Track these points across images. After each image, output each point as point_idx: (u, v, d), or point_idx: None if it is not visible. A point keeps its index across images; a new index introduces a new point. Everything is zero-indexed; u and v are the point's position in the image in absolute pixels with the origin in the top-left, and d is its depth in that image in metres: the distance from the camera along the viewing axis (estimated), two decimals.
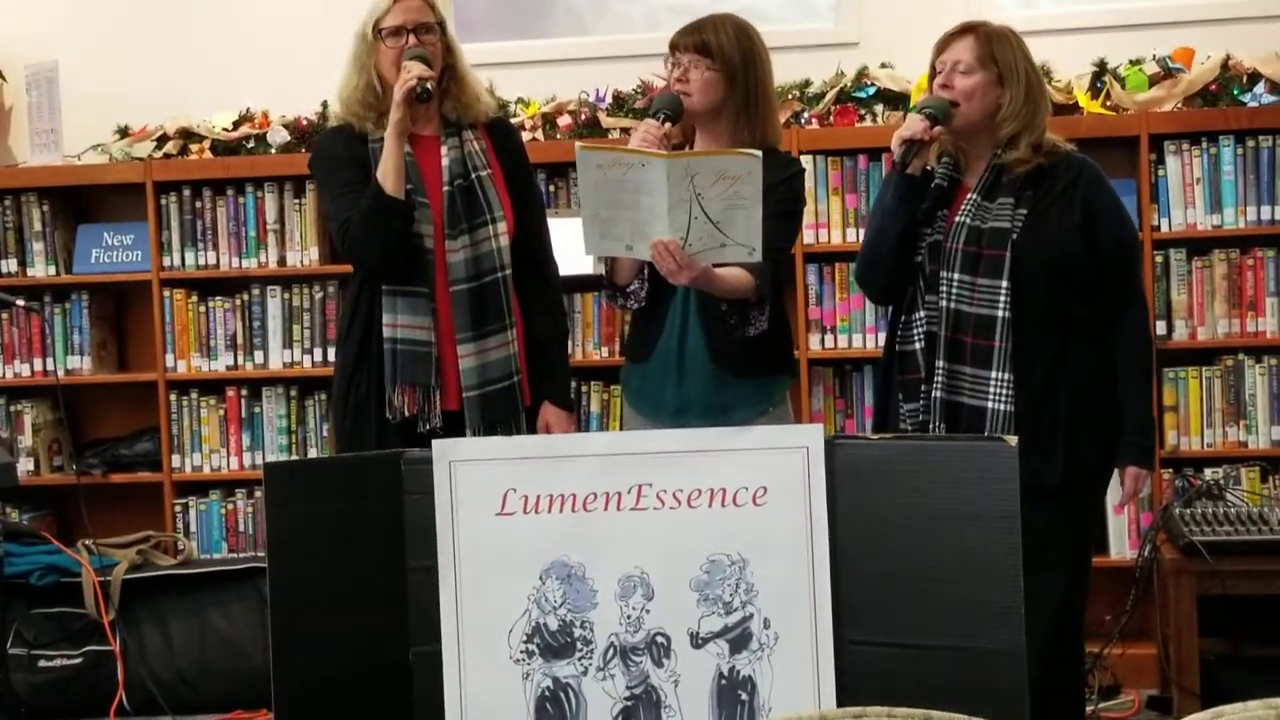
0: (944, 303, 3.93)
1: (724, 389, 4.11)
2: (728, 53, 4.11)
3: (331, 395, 4.43)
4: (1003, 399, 3.87)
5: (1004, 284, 3.87)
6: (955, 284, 3.92)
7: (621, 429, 4.52)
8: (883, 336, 5.46)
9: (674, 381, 4.13)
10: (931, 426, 3.92)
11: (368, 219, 4.07)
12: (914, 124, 3.91)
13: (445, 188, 4.18)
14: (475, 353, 4.15)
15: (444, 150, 4.22)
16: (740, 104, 4.14)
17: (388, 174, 4.06)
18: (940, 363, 3.93)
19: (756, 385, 4.18)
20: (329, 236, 5.92)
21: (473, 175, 4.21)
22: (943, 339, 3.92)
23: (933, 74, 4.05)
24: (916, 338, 3.99)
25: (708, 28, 4.14)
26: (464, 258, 4.16)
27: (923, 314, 3.97)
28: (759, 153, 3.69)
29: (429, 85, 4.04)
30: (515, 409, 4.23)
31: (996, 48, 3.98)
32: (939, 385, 3.92)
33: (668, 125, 4.03)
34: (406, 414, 4.14)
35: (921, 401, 3.96)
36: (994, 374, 3.88)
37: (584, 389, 5.74)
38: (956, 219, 3.96)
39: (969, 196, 3.98)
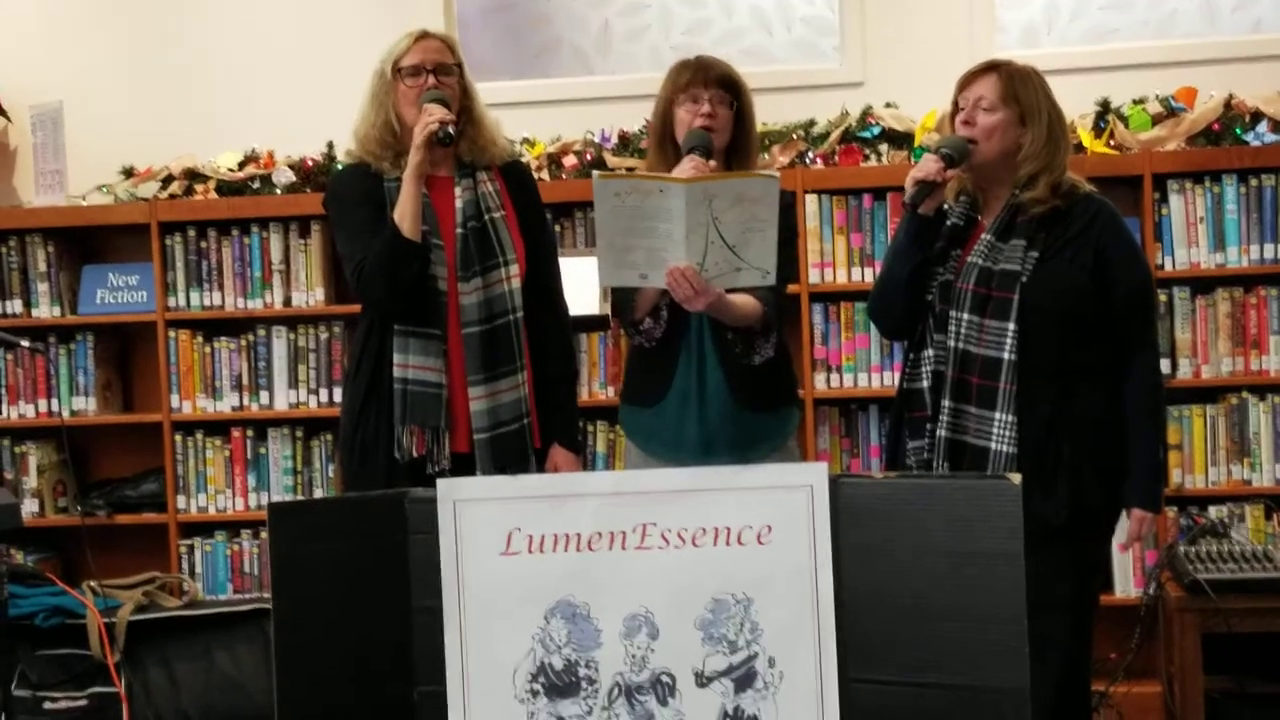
0: (952, 342, 3.95)
1: (745, 423, 4.14)
2: (746, 88, 4.22)
3: (339, 434, 4.42)
4: (1006, 440, 3.88)
5: (1011, 326, 3.89)
6: (964, 324, 3.94)
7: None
8: (889, 376, 5.54)
9: (695, 419, 4.14)
10: (936, 465, 3.93)
11: (384, 260, 4.07)
12: (928, 165, 3.92)
13: (458, 229, 4.18)
14: (486, 395, 4.15)
15: (458, 192, 4.23)
16: (741, 139, 4.22)
17: (405, 216, 4.07)
18: (946, 402, 3.94)
19: (774, 417, 4.23)
20: (335, 276, 5.96)
21: (486, 217, 4.21)
22: (949, 378, 3.94)
23: (954, 110, 4.07)
24: (924, 376, 4.00)
25: (723, 62, 4.24)
26: (476, 300, 4.16)
27: (931, 353, 3.99)
28: (777, 174, 3.74)
29: (450, 129, 4.06)
30: (525, 451, 4.22)
31: (1019, 86, 3.99)
32: (944, 424, 3.94)
33: (712, 163, 4.08)
34: (415, 454, 4.14)
35: (926, 439, 3.97)
36: (998, 415, 3.89)
37: (590, 429, 5.75)
38: (969, 259, 3.98)
39: (984, 236, 3.99)
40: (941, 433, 3.94)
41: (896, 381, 4.26)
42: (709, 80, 4.18)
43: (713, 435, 4.12)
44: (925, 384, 3.99)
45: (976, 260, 3.96)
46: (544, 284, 4.33)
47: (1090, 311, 3.95)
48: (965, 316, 3.94)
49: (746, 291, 3.99)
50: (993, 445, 3.90)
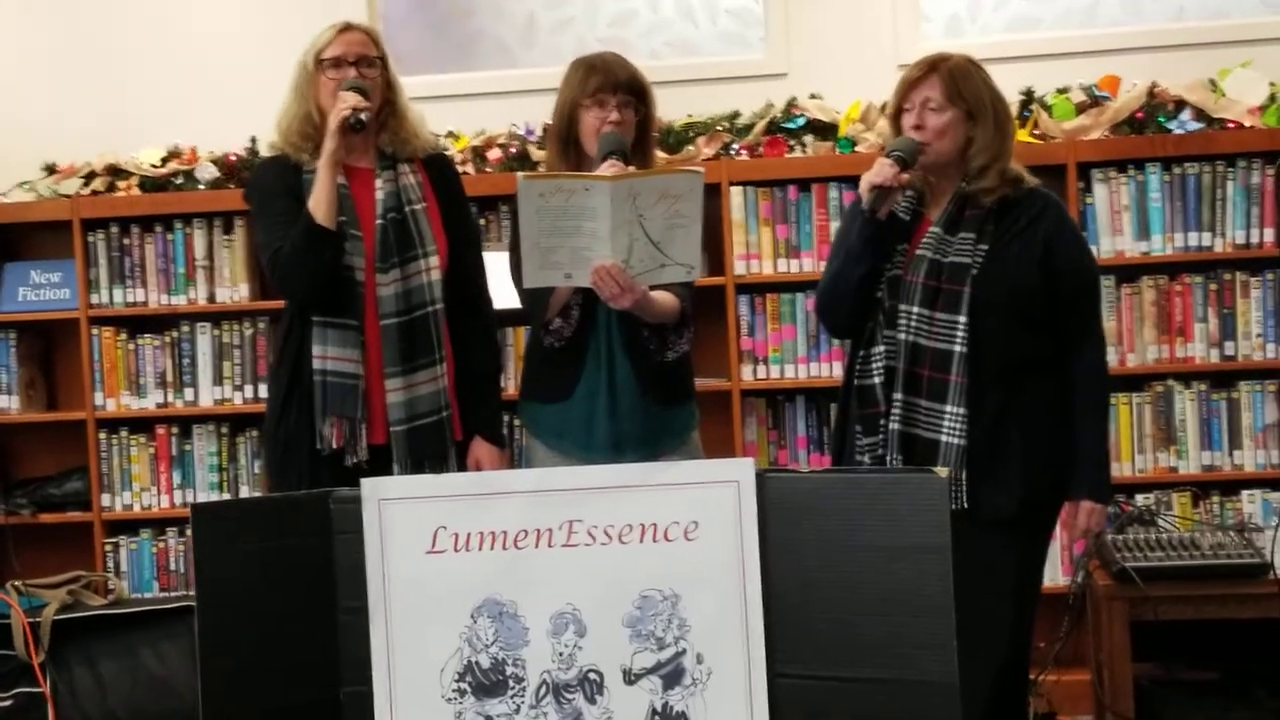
0: (902, 336, 3.94)
1: (652, 418, 4.16)
2: (649, 92, 4.24)
3: (263, 429, 4.38)
4: (956, 433, 3.88)
5: (962, 319, 3.89)
6: (914, 318, 3.93)
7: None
8: (816, 367, 5.54)
9: (605, 415, 4.14)
10: (888, 459, 3.93)
11: (298, 248, 4.06)
12: (884, 170, 3.89)
13: (378, 220, 4.16)
14: (403, 387, 4.14)
15: (378, 183, 4.21)
16: (641, 142, 4.25)
17: (320, 204, 4.06)
18: (897, 395, 3.94)
19: (679, 412, 4.25)
20: (259, 272, 5.91)
21: (407, 209, 4.19)
22: (900, 372, 3.93)
23: (898, 112, 4.06)
24: (876, 372, 3.99)
25: (629, 65, 4.24)
26: (394, 291, 4.14)
27: (882, 349, 3.98)
28: (701, 170, 3.76)
29: (363, 116, 4.05)
30: (444, 444, 4.21)
31: (963, 83, 3.99)
32: (895, 418, 3.93)
33: (631, 166, 4.06)
34: (335, 446, 4.12)
35: (881, 435, 3.97)
36: (949, 408, 3.89)
37: (515, 423, 5.71)
38: (917, 252, 3.97)
39: (931, 229, 3.99)
40: (894, 426, 3.93)
41: (832, 374, 4.27)
42: (617, 86, 4.16)
43: (622, 431, 4.13)
44: (877, 380, 3.98)
45: (925, 253, 3.96)
46: (467, 277, 4.32)
47: (1039, 304, 3.96)
48: (915, 310, 3.93)
49: (664, 288, 3.98)
50: (943, 438, 3.89)
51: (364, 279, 4.14)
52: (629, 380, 4.13)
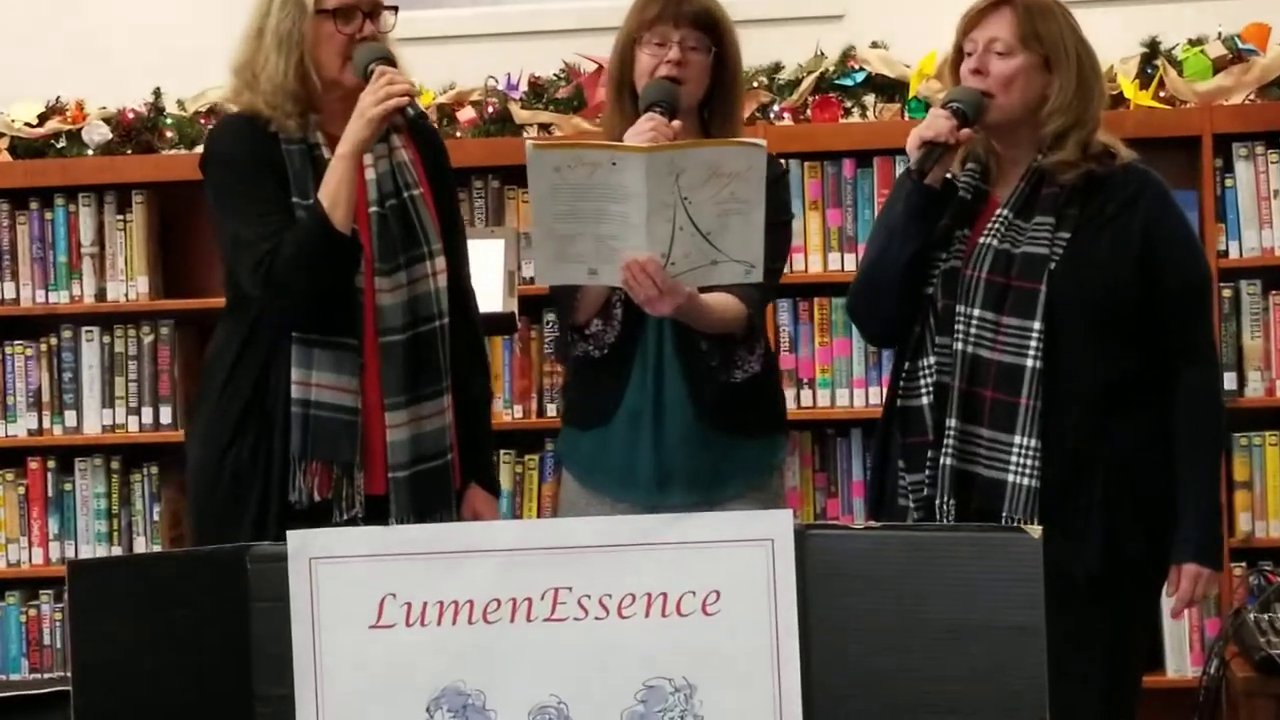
0: (959, 345, 3.94)
1: (713, 454, 4.17)
2: (730, 31, 4.25)
3: (190, 464, 4.32)
4: (1026, 471, 3.88)
5: (1036, 325, 3.89)
6: (974, 322, 3.93)
7: (562, 512, 4.51)
8: (874, 393, 5.53)
9: (649, 446, 4.17)
10: (939, 503, 3.93)
11: (305, 258, 4.01)
12: (938, 122, 3.90)
13: (372, 209, 4.14)
14: (407, 421, 4.12)
15: (368, 160, 4.15)
16: (720, 96, 4.26)
17: (339, 202, 4.00)
18: (952, 422, 3.93)
19: (751, 448, 4.26)
20: (162, 262, 5.95)
21: (405, 194, 4.18)
22: (956, 392, 3.93)
23: (959, 55, 4.06)
24: (924, 390, 4.00)
25: None
26: (399, 300, 4.12)
27: (933, 360, 3.98)
28: (763, 141, 3.76)
29: (418, 107, 4.07)
30: (448, 493, 4.21)
31: (1041, 23, 3.98)
32: (949, 451, 3.93)
33: (676, 123, 4.06)
34: (317, 498, 4.10)
35: (928, 472, 3.97)
36: (1017, 439, 3.89)
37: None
38: (981, 240, 3.98)
39: (998, 213, 3.99)
40: (946, 461, 3.93)
41: (884, 401, 4.26)
42: (680, 17, 4.18)
43: (671, 466, 4.16)
44: (925, 401, 3.99)
45: (991, 242, 3.96)
46: (458, 278, 4.32)
47: (1134, 310, 3.96)
48: (976, 313, 3.93)
49: (725, 290, 3.99)
50: (1010, 477, 3.89)
51: (363, 285, 4.13)
52: (681, 400, 4.16)
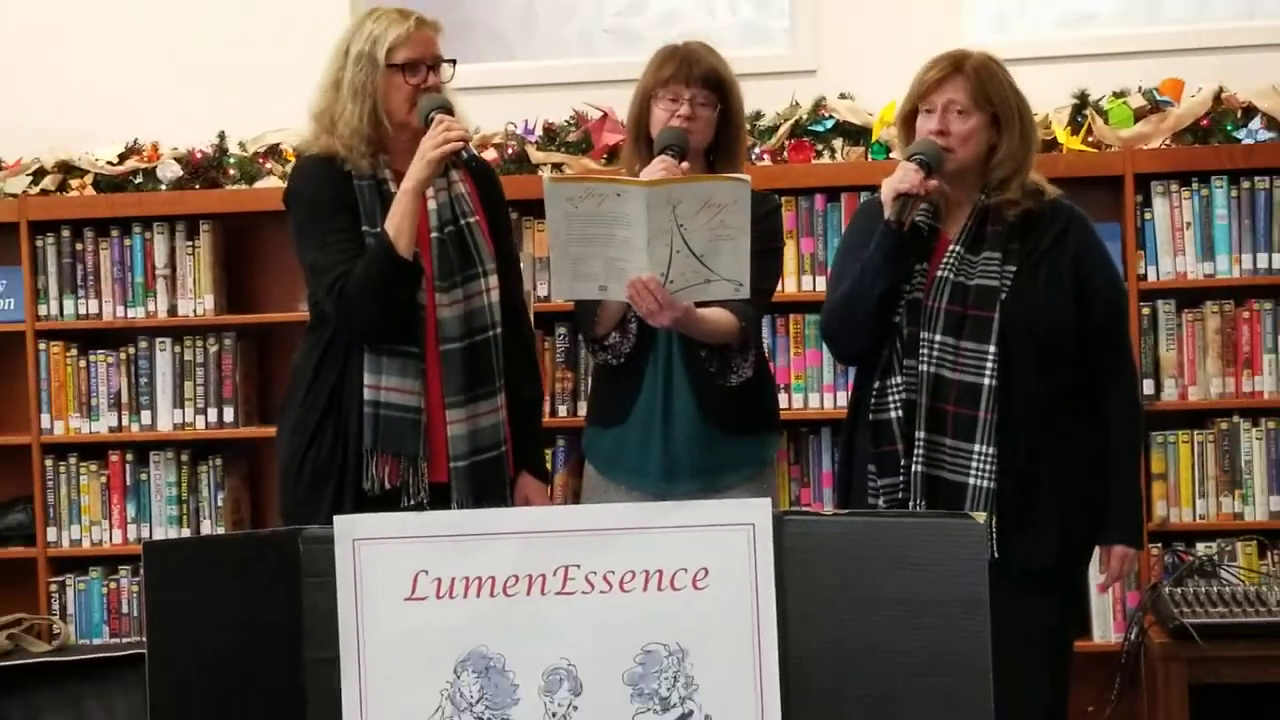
0: (924, 367, 3.93)
1: (714, 449, 4.19)
2: (735, 89, 4.27)
3: (279, 459, 4.31)
4: (985, 475, 3.88)
5: (991, 349, 3.89)
6: (937, 347, 3.93)
7: (584, 501, 4.53)
8: (841, 396, 5.51)
9: (660, 442, 4.19)
10: (912, 504, 3.92)
11: (372, 281, 4.02)
12: (910, 175, 3.89)
13: (434, 235, 4.14)
14: (465, 418, 4.13)
15: (430, 192, 4.15)
16: (731, 144, 4.28)
17: (402, 233, 4.02)
18: (920, 433, 3.93)
19: (748, 444, 4.28)
20: (226, 282, 5.95)
21: (462, 221, 4.18)
22: (922, 408, 3.93)
23: (912, 113, 4.05)
24: (893, 405, 3.98)
25: (707, 56, 4.25)
26: (457, 313, 4.13)
27: (900, 380, 3.96)
28: (747, 177, 3.78)
29: (472, 150, 4.06)
30: (503, 481, 4.22)
31: (990, 85, 3.99)
32: (919, 459, 3.93)
33: (685, 164, 4.10)
34: (388, 486, 4.11)
35: (901, 477, 3.96)
36: (977, 447, 3.89)
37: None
38: (938, 274, 3.97)
39: (951, 248, 3.99)
40: (917, 468, 3.93)
41: (846, 405, 4.26)
42: (691, 78, 4.20)
43: (678, 460, 4.18)
44: (894, 415, 3.97)
45: (947, 275, 3.96)
46: (513, 297, 4.32)
47: (1070, 332, 3.97)
48: (938, 338, 3.93)
49: (722, 305, 4.01)
50: (971, 480, 3.90)
51: (425, 300, 4.13)
52: (688, 404, 4.18)
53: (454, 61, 4.24)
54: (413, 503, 4.09)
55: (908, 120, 4.07)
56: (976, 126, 3.97)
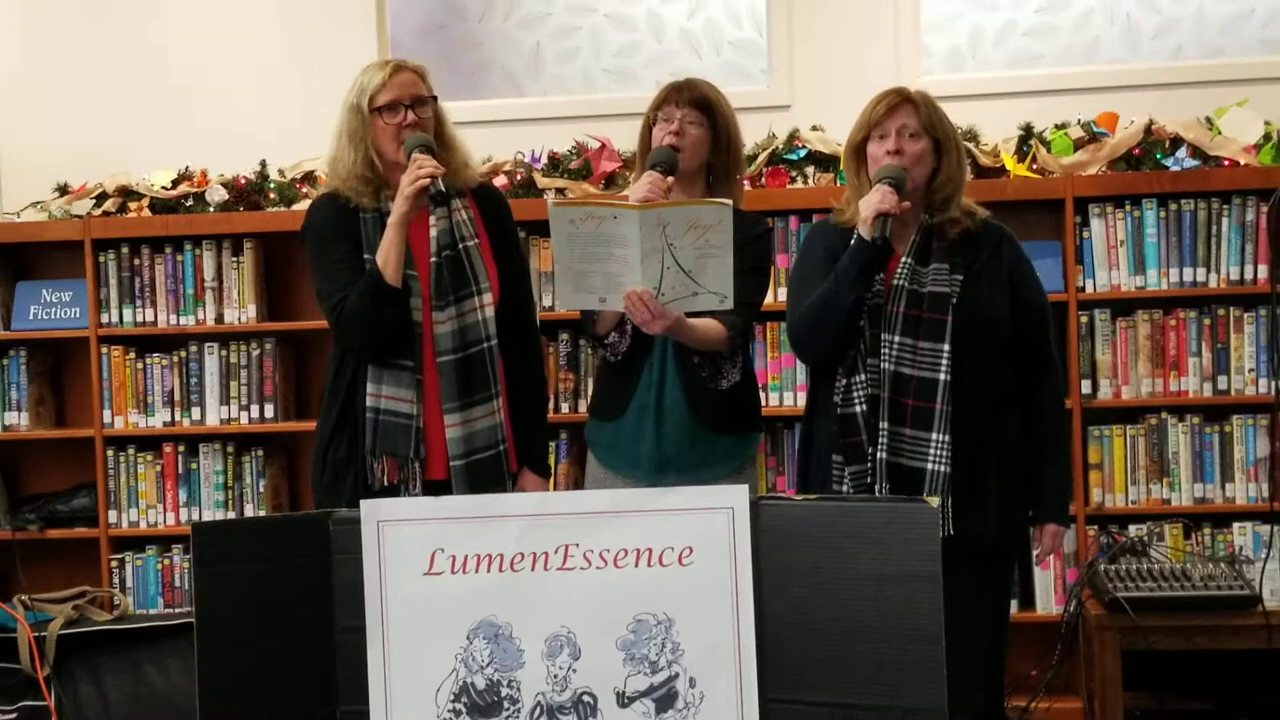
0: (885, 365, 3.93)
1: (701, 445, 4.18)
2: (723, 109, 4.24)
3: (314, 451, 4.33)
4: (940, 460, 3.89)
5: (945, 347, 3.90)
6: (897, 346, 3.93)
7: (586, 486, 4.52)
8: None
9: (651, 438, 4.18)
10: (877, 488, 3.92)
11: (364, 304, 4.03)
12: (889, 197, 3.88)
13: (432, 259, 4.13)
14: (461, 422, 4.12)
15: (432, 220, 4.15)
16: (723, 163, 4.27)
17: (389, 262, 4.03)
18: (883, 424, 3.93)
19: (733, 440, 4.25)
20: (267, 293, 5.94)
21: (460, 245, 4.16)
22: (885, 401, 3.93)
23: (862, 143, 4.06)
24: (858, 400, 3.97)
25: (699, 84, 4.26)
26: (451, 329, 4.11)
27: (864, 377, 3.96)
28: (729, 201, 3.79)
29: (440, 185, 4.00)
30: (501, 477, 4.19)
31: (933, 113, 4.02)
32: (882, 447, 3.92)
33: (670, 179, 4.10)
34: (388, 483, 4.12)
35: (867, 464, 3.95)
36: (934, 435, 3.90)
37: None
38: (894, 282, 3.97)
39: (904, 260, 3.98)
40: (881, 455, 3.92)
41: (805, 409, 4.25)
42: (681, 100, 4.21)
43: (668, 453, 4.17)
44: (859, 409, 3.96)
45: (903, 284, 3.96)
46: (518, 308, 4.31)
47: (1008, 333, 3.99)
48: (898, 339, 3.93)
49: (712, 316, 4.01)
50: (929, 465, 3.90)
51: (420, 318, 4.12)
52: (678, 402, 4.16)
53: (434, 99, 4.19)
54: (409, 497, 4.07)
55: (858, 150, 4.07)
56: (925, 149, 3.99)
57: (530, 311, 4.42)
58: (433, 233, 4.15)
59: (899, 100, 4.02)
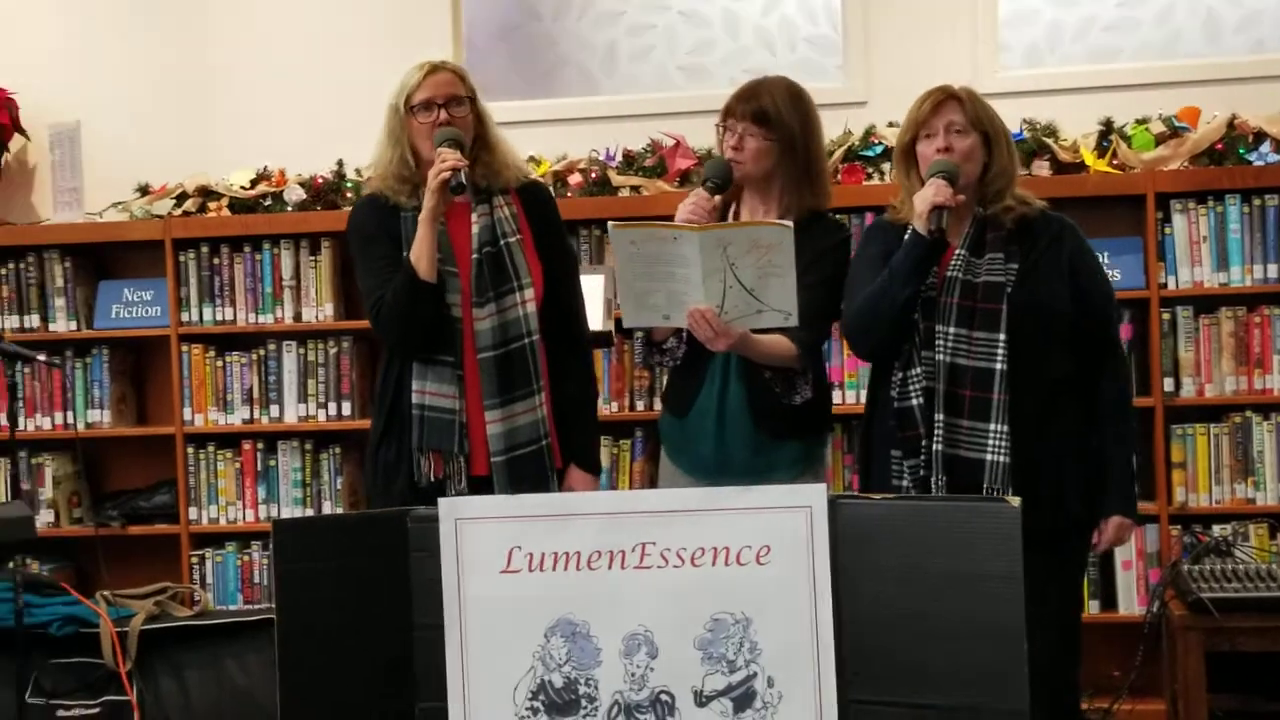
0: (940, 356, 3.91)
1: (764, 451, 4.14)
2: (785, 120, 4.15)
3: (366, 452, 4.37)
4: (999, 450, 3.86)
5: (1001, 337, 3.87)
6: (951, 338, 3.91)
7: (658, 480, 4.50)
8: None
9: (713, 439, 4.16)
10: (933, 481, 3.89)
11: (399, 301, 4.05)
12: (944, 190, 3.86)
13: (473, 255, 4.13)
14: (502, 418, 4.11)
15: (474, 217, 4.16)
16: (792, 170, 4.18)
17: (421, 257, 4.03)
18: (939, 416, 3.90)
19: (796, 449, 4.20)
20: (345, 292, 5.98)
21: (501, 242, 4.15)
22: (940, 393, 3.90)
23: (911, 143, 4.04)
24: (914, 394, 3.95)
25: (764, 94, 4.17)
26: (491, 325, 4.11)
27: (919, 370, 3.94)
28: (789, 224, 3.75)
29: (463, 176, 4.00)
30: (544, 472, 4.18)
31: (980, 109, 4.01)
32: (939, 439, 3.90)
33: (717, 198, 4.07)
34: (434, 478, 4.12)
35: (923, 457, 3.93)
36: (991, 426, 3.87)
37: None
38: (948, 274, 3.95)
39: (958, 253, 3.96)
40: (937, 447, 3.89)
41: (865, 406, 4.22)
42: (741, 114, 4.15)
43: (729, 457, 4.14)
44: (916, 402, 3.94)
45: (957, 275, 3.94)
46: (564, 304, 4.29)
47: (1068, 322, 3.96)
48: (952, 330, 3.91)
49: (781, 333, 3.97)
50: (988, 456, 3.87)
51: (460, 314, 4.12)
52: (741, 408, 4.13)
53: (473, 99, 4.18)
54: (454, 493, 4.07)
55: (907, 151, 4.06)
56: (974, 144, 3.97)
57: (578, 307, 4.37)
58: (474, 229, 4.15)
59: (944, 97, 4.01)
